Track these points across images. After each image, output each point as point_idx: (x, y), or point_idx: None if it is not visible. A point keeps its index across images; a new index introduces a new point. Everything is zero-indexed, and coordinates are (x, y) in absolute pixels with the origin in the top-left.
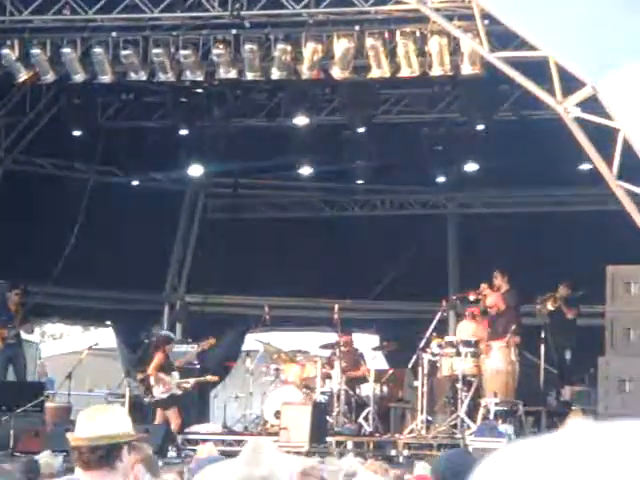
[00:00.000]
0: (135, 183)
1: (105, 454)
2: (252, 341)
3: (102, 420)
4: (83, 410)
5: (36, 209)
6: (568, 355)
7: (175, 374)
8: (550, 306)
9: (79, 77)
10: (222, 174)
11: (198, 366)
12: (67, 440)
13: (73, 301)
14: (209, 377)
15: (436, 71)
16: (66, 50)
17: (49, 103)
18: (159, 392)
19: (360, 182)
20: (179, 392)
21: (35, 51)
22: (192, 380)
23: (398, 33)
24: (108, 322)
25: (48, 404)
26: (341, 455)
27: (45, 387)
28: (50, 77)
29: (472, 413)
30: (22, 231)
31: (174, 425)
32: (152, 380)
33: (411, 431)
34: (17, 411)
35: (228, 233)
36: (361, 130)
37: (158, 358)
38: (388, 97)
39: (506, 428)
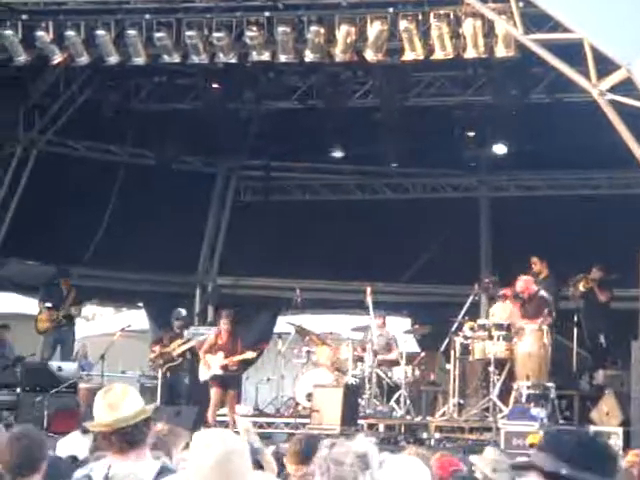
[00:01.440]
0: (167, 165)
1: (131, 434)
2: (284, 323)
3: (117, 403)
4: (97, 394)
5: (69, 191)
6: (602, 339)
7: (219, 354)
8: (582, 287)
9: (113, 59)
10: (254, 157)
11: None
12: (87, 423)
13: (105, 283)
14: (249, 354)
15: (470, 54)
16: (100, 32)
17: (83, 85)
18: (203, 374)
19: (393, 165)
20: (220, 372)
21: (69, 33)
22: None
23: (432, 15)
24: (140, 304)
25: (81, 385)
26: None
27: (77, 369)
28: (84, 59)
29: (504, 396)
30: (55, 213)
31: (229, 408)
32: (201, 361)
33: (443, 414)
34: (51, 392)
35: (260, 216)
36: (394, 113)
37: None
38: (421, 80)
39: (538, 411)
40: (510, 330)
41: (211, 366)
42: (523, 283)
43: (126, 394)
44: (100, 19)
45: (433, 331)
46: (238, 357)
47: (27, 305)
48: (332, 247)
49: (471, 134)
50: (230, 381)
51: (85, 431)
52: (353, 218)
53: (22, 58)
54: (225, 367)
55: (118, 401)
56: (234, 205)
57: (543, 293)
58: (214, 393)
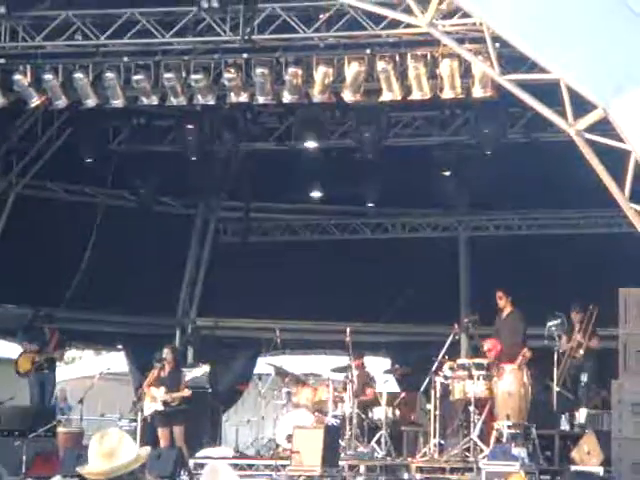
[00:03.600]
0: (147, 207)
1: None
2: (263, 364)
3: (113, 451)
4: (92, 440)
5: (48, 234)
6: (584, 378)
7: (162, 389)
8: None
9: (91, 102)
10: (233, 198)
11: (210, 390)
12: (79, 467)
13: (84, 325)
14: (185, 392)
15: (447, 94)
16: (78, 75)
17: (61, 128)
18: (147, 408)
19: (371, 205)
20: (161, 408)
21: (47, 76)
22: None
23: (409, 56)
24: (120, 346)
25: (60, 429)
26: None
27: (56, 412)
28: (62, 102)
29: (485, 436)
30: (34, 255)
31: (179, 445)
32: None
33: (424, 454)
34: (30, 436)
35: (239, 256)
36: (372, 153)
37: (151, 374)
38: (399, 120)
39: (519, 451)
40: (490, 369)
41: (155, 399)
42: (490, 345)
43: (122, 441)
44: (78, 62)
45: (413, 371)
46: (178, 394)
47: (4, 348)
48: (311, 287)
49: (449, 174)
50: (174, 416)
51: (65, 476)
52: (332, 258)
53: (0, 101)
54: (166, 403)
55: (114, 448)
56: (213, 246)
57: (519, 333)
58: (160, 432)
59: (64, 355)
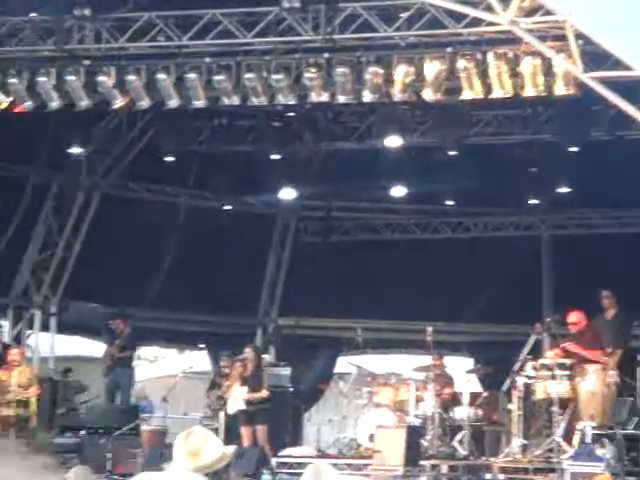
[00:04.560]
0: (228, 207)
1: None
2: (345, 364)
3: (199, 450)
4: (177, 438)
5: (131, 233)
6: None
7: (244, 388)
8: None
9: (173, 102)
10: (314, 197)
11: (291, 389)
12: (163, 463)
13: (167, 324)
14: (263, 393)
15: (529, 92)
16: (161, 76)
17: (144, 128)
18: (230, 407)
19: (453, 204)
20: (244, 407)
21: (130, 77)
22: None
23: (490, 54)
24: (202, 345)
25: (144, 427)
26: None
27: (139, 411)
28: (145, 103)
29: (568, 437)
30: (118, 255)
31: (262, 444)
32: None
33: (506, 455)
34: (114, 434)
35: (320, 256)
36: (453, 152)
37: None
38: (480, 118)
39: (604, 452)
40: (573, 369)
41: (237, 399)
42: (575, 318)
43: (207, 439)
44: (160, 63)
45: (495, 371)
46: (257, 395)
47: (89, 348)
48: (393, 287)
49: (532, 172)
50: (257, 415)
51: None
52: (414, 257)
53: (84, 103)
54: (249, 402)
55: (200, 447)
56: (294, 245)
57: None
58: (243, 431)
59: (131, 355)
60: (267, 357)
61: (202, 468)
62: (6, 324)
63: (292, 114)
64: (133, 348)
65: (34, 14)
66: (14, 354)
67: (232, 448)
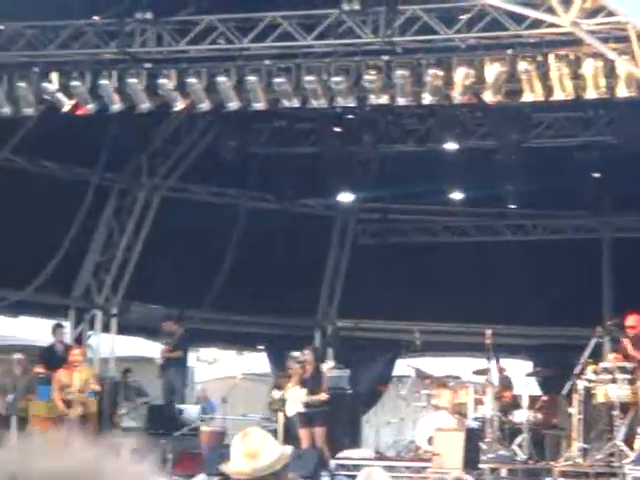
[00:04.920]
0: (287, 208)
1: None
2: (403, 366)
3: (256, 451)
4: (235, 439)
5: (192, 235)
6: None
7: (303, 390)
8: None
9: (233, 105)
10: (372, 200)
11: (350, 391)
12: (222, 464)
13: (227, 326)
14: (322, 396)
15: (590, 94)
16: (221, 79)
17: (204, 131)
18: (289, 409)
19: (512, 207)
20: (302, 409)
21: (191, 80)
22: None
23: (551, 56)
24: (261, 347)
25: (204, 428)
26: None
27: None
28: (205, 105)
29: (630, 441)
30: (177, 257)
31: (320, 446)
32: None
33: (567, 459)
34: (174, 435)
35: (378, 258)
36: (513, 154)
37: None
38: (540, 121)
39: None
40: (634, 373)
41: (296, 401)
42: (634, 321)
43: (265, 441)
44: (221, 66)
45: (555, 374)
46: (316, 397)
47: (149, 348)
48: (451, 289)
49: (593, 175)
50: (315, 418)
51: (209, 474)
52: (472, 260)
53: (145, 106)
54: (307, 404)
55: (257, 448)
56: (353, 248)
57: None
58: (302, 433)
59: (183, 356)
60: (328, 363)
61: (260, 469)
62: (68, 325)
63: (351, 116)
64: (185, 349)
65: (97, 17)
66: (76, 355)
67: (289, 448)
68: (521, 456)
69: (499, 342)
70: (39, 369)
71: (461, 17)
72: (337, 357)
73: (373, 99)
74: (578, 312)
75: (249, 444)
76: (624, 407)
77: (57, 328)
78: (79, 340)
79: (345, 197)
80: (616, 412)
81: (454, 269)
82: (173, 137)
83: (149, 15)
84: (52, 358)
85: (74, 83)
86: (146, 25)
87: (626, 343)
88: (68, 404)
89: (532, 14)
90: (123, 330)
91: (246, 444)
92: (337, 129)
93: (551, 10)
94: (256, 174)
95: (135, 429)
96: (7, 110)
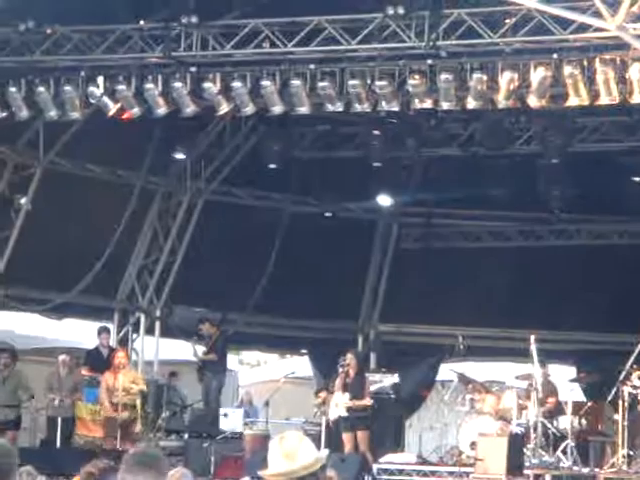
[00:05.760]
0: (329, 213)
1: None
2: (446, 371)
3: (294, 452)
4: (272, 442)
5: (235, 238)
6: None
7: (346, 395)
8: None
9: (277, 109)
10: (415, 204)
11: (393, 396)
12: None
13: (270, 329)
14: (367, 401)
15: (637, 99)
16: (265, 83)
17: (248, 134)
18: (332, 413)
19: (556, 211)
20: (345, 414)
21: (236, 84)
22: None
23: (597, 60)
24: (304, 350)
25: (247, 431)
26: None
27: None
28: (249, 109)
29: None
30: (221, 260)
31: (363, 450)
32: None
33: (612, 465)
34: (217, 438)
35: (421, 263)
36: (557, 159)
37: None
38: (585, 125)
39: None
40: None
41: (338, 405)
42: None
43: (301, 443)
44: (265, 70)
45: (600, 380)
46: (360, 403)
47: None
48: (494, 294)
49: (637, 179)
50: (358, 422)
51: (252, 478)
52: (515, 265)
53: (190, 109)
54: (350, 409)
55: (294, 450)
56: (395, 252)
57: None
58: (345, 437)
59: (217, 359)
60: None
61: (297, 470)
62: (112, 327)
63: (395, 120)
64: (221, 352)
65: (142, 22)
66: (120, 357)
67: (326, 452)
68: (565, 462)
69: (543, 347)
70: (84, 371)
71: (506, 21)
72: (379, 362)
73: (417, 103)
74: (623, 318)
75: (286, 446)
76: None
77: (103, 331)
78: (123, 342)
79: (388, 201)
80: None
81: (497, 274)
82: (217, 141)
83: (194, 19)
84: (97, 360)
85: (120, 87)
86: (191, 29)
87: None
88: (115, 407)
89: (578, 18)
90: (166, 333)
91: (283, 446)
92: (380, 133)
93: (597, 14)
94: (299, 178)
95: (178, 432)
96: (53, 114)
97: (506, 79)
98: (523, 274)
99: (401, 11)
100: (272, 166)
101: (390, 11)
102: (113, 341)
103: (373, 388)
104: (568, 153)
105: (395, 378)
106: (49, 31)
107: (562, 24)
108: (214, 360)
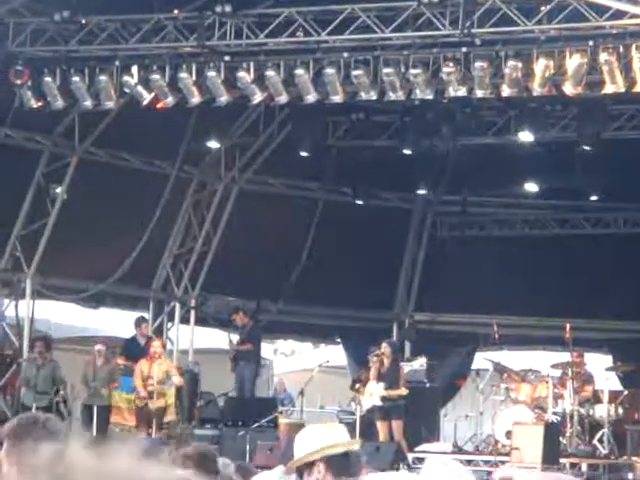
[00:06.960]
0: (364, 202)
1: (339, 463)
2: (481, 360)
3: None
4: (296, 437)
5: (270, 228)
6: None
7: (380, 384)
8: None
9: (311, 97)
10: (450, 192)
11: (428, 385)
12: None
13: (304, 318)
14: (402, 391)
15: None
16: (299, 71)
17: (281, 123)
18: (366, 403)
19: (592, 199)
20: (379, 403)
21: (269, 73)
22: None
23: (634, 47)
24: (338, 339)
25: (282, 420)
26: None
27: (277, 404)
28: (283, 98)
29: None
30: (255, 249)
31: (397, 439)
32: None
33: None
34: (252, 426)
35: (456, 251)
36: (592, 146)
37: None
38: (622, 113)
39: None
40: None
41: (373, 395)
42: None
43: (333, 426)
44: (299, 58)
45: (636, 369)
46: (395, 392)
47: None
48: (529, 283)
49: None
50: (393, 411)
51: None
52: (551, 253)
53: (224, 98)
54: (384, 398)
55: (325, 429)
56: (430, 241)
57: None
58: (379, 426)
59: (251, 349)
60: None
61: (326, 448)
62: (147, 316)
63: (429, 109)
64: (255, 341)
65: (176, 11)
66: (156, 346)
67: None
68: (602, 451)
69: (579, 336)
70: (120, 360)
71: (542, 8)
72: (414, 351)
73: (451, 91)
74: None
75: (313, 428)
76: None
77: (142, 321)
78: (158, 332)
79: (422, 190)
80: None
81: (533, 262)
82: (251, 130)
83: (228, 8)
84: (134, 350)
85: (154, 76)
86: (225, 18)
87: None
88: (149, 395)
89: (614, 5)
90: (201, 322)
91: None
92: (415, 122)
93: (633, 1)
94: (333, 167)
95: (213, 421)
96: (88, 103)
97: (541, 66)
98: (558, 262)
99: None
100: (306, 155)
101: None
102: (149, 330)
103: (406, 371)
104: (604, 141)
105: (422, 360)
106: (84, 21)
107: (598, 11)
108: (250, 350)
